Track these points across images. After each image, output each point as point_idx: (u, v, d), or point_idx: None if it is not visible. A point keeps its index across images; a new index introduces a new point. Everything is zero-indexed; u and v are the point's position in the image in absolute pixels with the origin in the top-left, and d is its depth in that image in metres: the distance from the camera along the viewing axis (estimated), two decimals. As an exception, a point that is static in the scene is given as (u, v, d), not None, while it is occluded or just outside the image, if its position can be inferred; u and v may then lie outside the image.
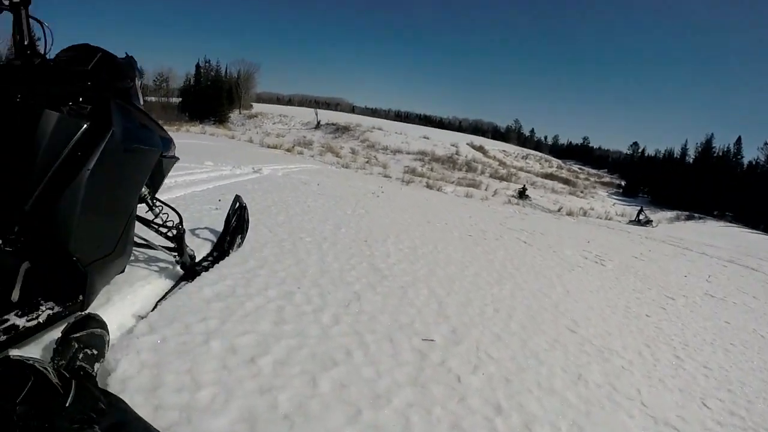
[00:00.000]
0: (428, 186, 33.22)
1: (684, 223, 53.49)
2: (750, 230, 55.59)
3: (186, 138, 30.52)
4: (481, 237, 10.25)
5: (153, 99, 75.12)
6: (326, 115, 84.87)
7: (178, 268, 4.22)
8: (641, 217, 44.68)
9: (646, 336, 6.26)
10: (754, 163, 73.99)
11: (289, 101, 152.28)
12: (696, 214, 61.60)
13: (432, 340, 4.11)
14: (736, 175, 71.37)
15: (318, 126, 77.06)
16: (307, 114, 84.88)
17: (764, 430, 4.56)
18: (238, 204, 5.74)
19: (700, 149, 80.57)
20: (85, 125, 2.51)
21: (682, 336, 6.75)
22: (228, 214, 5.71)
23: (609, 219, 39.40)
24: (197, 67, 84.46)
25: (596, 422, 3.57)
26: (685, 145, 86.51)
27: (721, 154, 77.73)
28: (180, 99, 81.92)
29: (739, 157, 76.67)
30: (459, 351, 4.05)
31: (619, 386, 4.37)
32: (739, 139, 76.63)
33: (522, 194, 41.37)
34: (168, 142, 3.55)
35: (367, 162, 45.86)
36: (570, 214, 35.03)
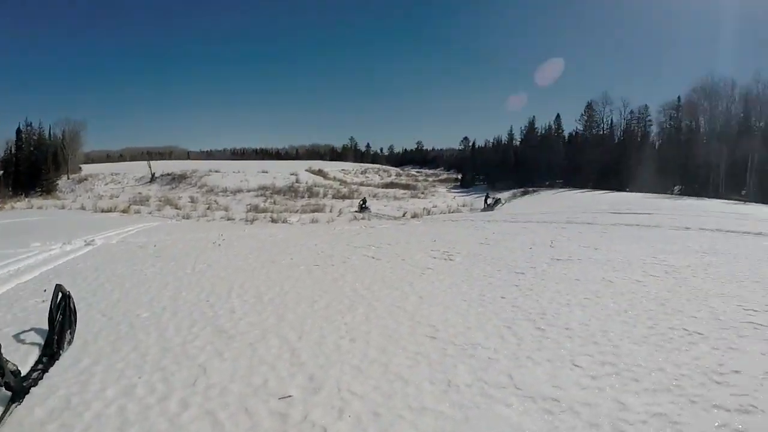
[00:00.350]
0: (273, 220, 32.71)
1: (521, 199, 56.49)
2: (580, 190, 61.26)
3: (10, 217, 28.16)
4: (329, 264, 10.24)
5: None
6: (161, 166, 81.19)
7: (4, 390, 3.84)
8: (489, 201, 46.99)
9: (504, 318, 6.46)
10: (574, 133, 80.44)
11: (120, 157, 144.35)
12: (530, 188, 65.76)
13: (289, 396, 4.02)
14: (559, 148, 77.11)
15: (153, 179, 73.74)
16: (141, 168, 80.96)
17: (636, 366, 4.88)
18: (60, 294, 5.34)
19: (524, 131, 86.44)
20: None
21: (539, 306, 7.06)
22: (50, 308, 5.23)
23: (452, 212, 40.66)
24: (18, 132, 77.16)
25: (476, 426, 3.62)
26: (511, 131, 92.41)
27: (543, 132, 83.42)
28: (1, 171, 75.29)
29: (560, 131, 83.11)
30: (320, 399, 3.98)
31: (489, 378, 4.45)
32: (558, 116, 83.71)
33: (362, 207, 41.64)
34: None
35: (208, 208, 44.49)
36: (415, 216, 35.67)
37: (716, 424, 3.83)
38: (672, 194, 55.94)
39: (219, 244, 13.69)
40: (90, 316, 6.16)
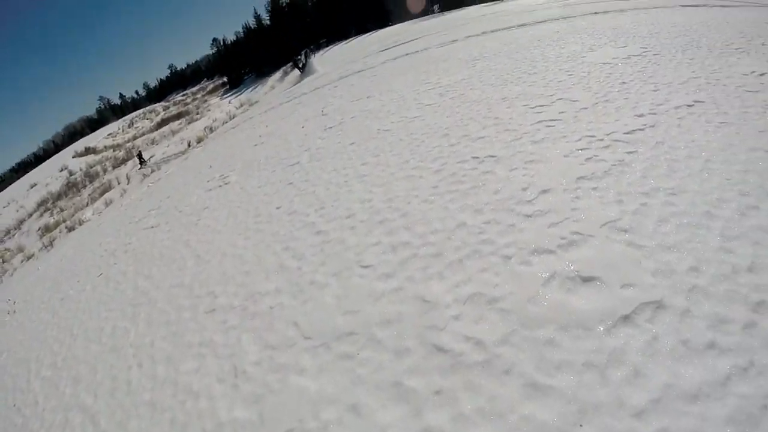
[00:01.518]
0: (70, 228, 30.02)
1: (294, 72, 55.72)
2: (345, 42, 62.46)
3: None
4: (112, 264, 9.28)
5: None
6: None
7: None
8: (299, 63, 48.33)
9: (282, 237, 6.00)
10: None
11: None
12: (298, 59, 65.37)
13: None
14: (308, 10, 78.85)
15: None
16: None
17: (432, 234, 4.53)
18: None
19: (269, 9, 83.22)
20: None
21: (316, 200, 6.68)
22: None
23: (233, 117, 39.23)
24: None
25: (273, 420, 3.24)
26: (256, 13, 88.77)
27: (287, 2, 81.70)
28: None
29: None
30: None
31: (275, 340, 4.02)
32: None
33: (142, 161, 38.85)
34: None
35: (3, 263, 40.43)
36: (200, 141, 33.72)
37: (544, 276, 3.38)
38: (434, 14, 58.51)
39: (14, 312, 11.31)
40: None
